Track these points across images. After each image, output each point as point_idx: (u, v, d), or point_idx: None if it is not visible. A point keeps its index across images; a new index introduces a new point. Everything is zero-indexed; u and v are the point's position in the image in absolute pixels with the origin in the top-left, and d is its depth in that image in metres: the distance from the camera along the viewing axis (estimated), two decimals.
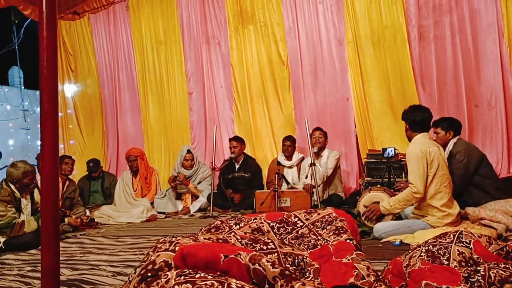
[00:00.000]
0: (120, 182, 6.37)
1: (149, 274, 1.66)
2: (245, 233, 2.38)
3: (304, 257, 2.00)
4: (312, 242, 2.30)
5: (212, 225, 2.48)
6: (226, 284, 1.58)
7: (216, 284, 1.56)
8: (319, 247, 2.23)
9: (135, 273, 1.73)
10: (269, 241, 2.06)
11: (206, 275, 1.64)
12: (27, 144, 9.79)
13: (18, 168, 4.13)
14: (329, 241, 2.25)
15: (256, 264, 1.71)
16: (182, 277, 1.60)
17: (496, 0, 5.33)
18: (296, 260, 1.95)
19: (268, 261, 1.72)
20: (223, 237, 2.06)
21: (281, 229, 2.46)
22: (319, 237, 2.34)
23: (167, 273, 1.65)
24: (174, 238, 1.87)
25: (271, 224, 2.48)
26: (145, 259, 1.80)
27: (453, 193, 3.71)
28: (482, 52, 5.45)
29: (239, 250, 1.80)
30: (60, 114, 7.94)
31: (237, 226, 2.45)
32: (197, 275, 1.63)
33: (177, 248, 1.77)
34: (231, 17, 7.10)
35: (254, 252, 1.81)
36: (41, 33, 1.40)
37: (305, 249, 2.21)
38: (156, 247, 1.83)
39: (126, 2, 7.87)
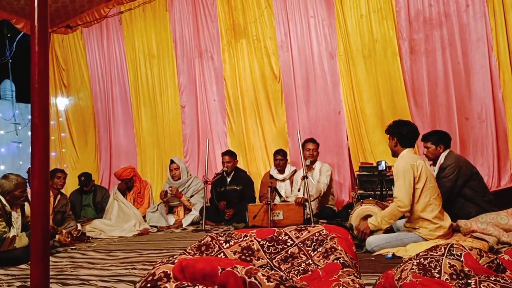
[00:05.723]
0: (113, 195, 6.32)
1: (149, 286, 1.66)
2: (235, 252, 2.38)
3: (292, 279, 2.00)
4: (303, 266, 2.30)
5: (202, 242, 2.47)
6: None
7: None
8: (309, 272, 2.23)
9: None
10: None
11: (205, 287, 1.64)
12: (17, 158, 9.73)
13: (11, 179, 4.09)
14: (319, 266, 2.26)
15: (252, 278, 1.70)
16: None
17: (485, 14, 5.41)
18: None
19: (263, 275, 1.72)
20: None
21: (271, 247, 2.45)
22: (310, 260, 2.34)
23: (166, 284, 1.64)
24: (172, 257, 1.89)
25: (261, 243, 2.47)
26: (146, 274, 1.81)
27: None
28: (472, 66, 5.51)
29: (236, 263, 1.81)
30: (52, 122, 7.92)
31: (227, 244, 2.45)
32: (196, 287, 1.63)
33: (176, 261, 1.79)
34: (223, 30, 7.14)
35: (251, 266, 1.81)
36: (33, 47, 1.40)
37: (296, 275, 2.22)
38: (156, 264, 1.84)
39: (119, 16, 7.90)
